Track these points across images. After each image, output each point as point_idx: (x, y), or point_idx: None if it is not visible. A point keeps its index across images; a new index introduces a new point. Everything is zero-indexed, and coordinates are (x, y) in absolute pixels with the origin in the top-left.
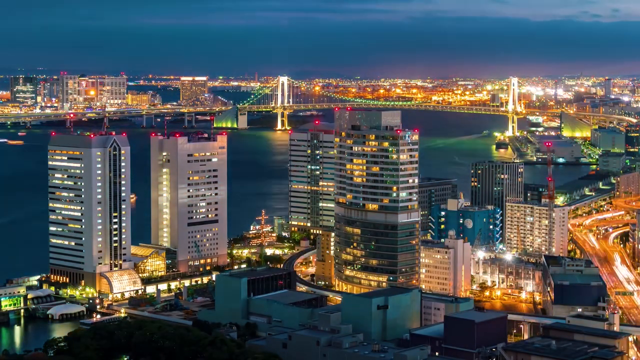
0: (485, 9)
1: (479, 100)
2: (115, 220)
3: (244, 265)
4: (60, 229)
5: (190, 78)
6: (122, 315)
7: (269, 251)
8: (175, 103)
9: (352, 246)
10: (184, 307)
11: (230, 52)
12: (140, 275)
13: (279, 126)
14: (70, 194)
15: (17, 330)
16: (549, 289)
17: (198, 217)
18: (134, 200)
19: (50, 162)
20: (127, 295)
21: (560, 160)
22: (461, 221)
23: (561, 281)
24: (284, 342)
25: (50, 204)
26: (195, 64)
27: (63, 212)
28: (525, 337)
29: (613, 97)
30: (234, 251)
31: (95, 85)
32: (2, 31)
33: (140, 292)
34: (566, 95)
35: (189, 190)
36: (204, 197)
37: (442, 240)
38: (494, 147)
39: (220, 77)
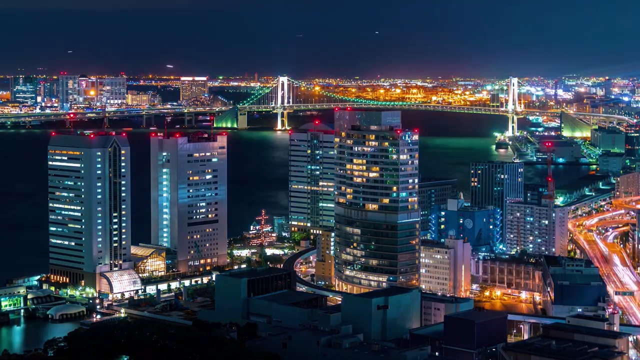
0: (484, 9)
1: (479, 100)
2: (115, 220)
3: (244, 266)
4: (60, 229)
5: (190, 78)
6: (122, 315)
7: (269, 251)
8: (175, 103)
9: (352, 246)
10: (184, 307)
11: (230, 52)
12: (141, 275)
13: (279, 126)
14: (70, 194)
15: (17, 330)
16: (549, 289)
17: (198, 217)
18: None
19: (50, 162)
20: (127, 295)
21: (560, 160)
22: (461, 221)
23: (561, 281)
24: (284, 342)
25: (50, 204)
26: (196, 64)
27: (63, 212)
28: (525, 337)
29: (613, 97)
30: (234, 251)
31: (95, 85)
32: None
33: (140, 291)
34: (566, 95)
35: (189, 190)
36: (204, 197)
37: (442, 240)
38: (493, 147)
39: (220, 77)
